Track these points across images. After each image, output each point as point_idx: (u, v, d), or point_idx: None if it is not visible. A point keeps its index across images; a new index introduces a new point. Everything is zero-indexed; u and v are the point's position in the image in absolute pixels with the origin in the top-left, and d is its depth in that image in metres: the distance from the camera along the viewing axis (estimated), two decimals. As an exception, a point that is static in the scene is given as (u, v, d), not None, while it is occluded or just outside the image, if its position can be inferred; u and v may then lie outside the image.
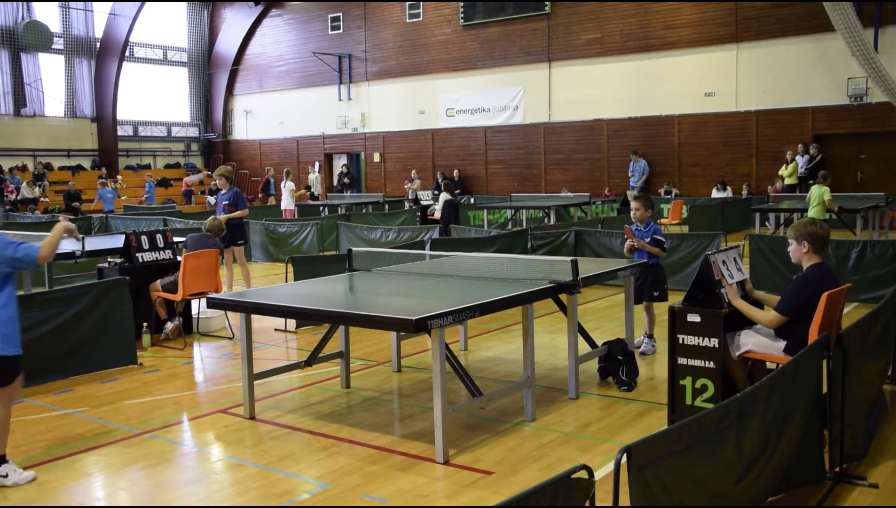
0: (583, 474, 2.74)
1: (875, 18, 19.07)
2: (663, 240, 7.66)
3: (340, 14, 29.00)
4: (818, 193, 13.36)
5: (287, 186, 19.87)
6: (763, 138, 21.47)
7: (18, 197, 24.00)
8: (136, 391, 6.79)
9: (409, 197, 24.54)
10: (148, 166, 30.50)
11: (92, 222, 17.15)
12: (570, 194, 21.98)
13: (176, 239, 9.44)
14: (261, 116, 31.76)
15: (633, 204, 7.75)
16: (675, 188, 22.15)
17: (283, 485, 4.73)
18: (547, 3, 24.24)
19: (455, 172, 26.07)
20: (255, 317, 6.07)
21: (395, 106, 28.01)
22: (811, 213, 12.97)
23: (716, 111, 22.03)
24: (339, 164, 30.24)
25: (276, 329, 9.16)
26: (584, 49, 23.91)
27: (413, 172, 26.33)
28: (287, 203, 19.70)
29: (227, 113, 32.73)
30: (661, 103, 22.77)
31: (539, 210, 19.30)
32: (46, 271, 10.10)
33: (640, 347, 7.66)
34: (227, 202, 11.14)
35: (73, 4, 28.28)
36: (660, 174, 22.93)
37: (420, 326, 4.75)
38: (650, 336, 7.77)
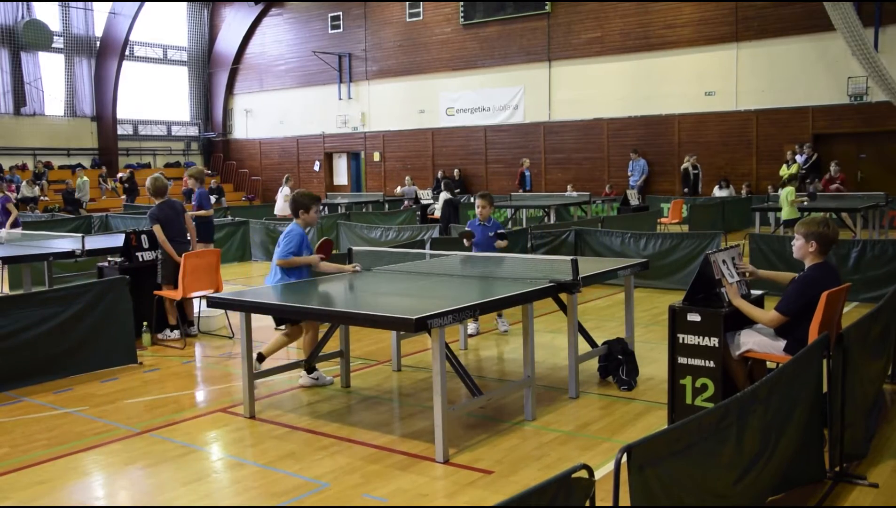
0: (583, 473, 2.74)
1: (875, 18, 19.05)
2: (504, 231, 8.59)
3: (340, 13, 28.97)
4: (784, 193, 13.92)
5: (283, 192, 18.88)
6: (763, 138, 21.46)
7: (18, 196, 24.00)
8: (136, 390, 6.79)
9: (398, 193, 23.73)
10: (148, 165, 30.47)
11: (92, 221, 17.14)
12: (574, 193, 21.93)
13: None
14: (261, 116, 31.73)
15: (478, 202, 8.41)
16: (698, 164, 21.81)
17: (283, 484, 4.72)
18: (547, 2, 24.21)
19: (455, 172, 26.05)
20: (254, 316, 6.07)
21: (395, 105, 27.98)
22: (784, 212, 13.73)
23: (716, 110, 22.01)
24: (340, 163, 30.22)
25: (276, 328, 9.15)
26: (584, 48, 23.89)
27: (406, 178, 25.20)
28: (281, 209, 18.58)
29: (227, 112, 32.70)
30: (661, 103, 22.75)
31: (539, 209, 19.30)
32: (46, 270, 10.10)
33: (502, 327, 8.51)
34: (193, 203, 11.76)
35: (72, 3, 28.27)
36: (660, 173, 22.92)
37: (420, 325, 4.74)
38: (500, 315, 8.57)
